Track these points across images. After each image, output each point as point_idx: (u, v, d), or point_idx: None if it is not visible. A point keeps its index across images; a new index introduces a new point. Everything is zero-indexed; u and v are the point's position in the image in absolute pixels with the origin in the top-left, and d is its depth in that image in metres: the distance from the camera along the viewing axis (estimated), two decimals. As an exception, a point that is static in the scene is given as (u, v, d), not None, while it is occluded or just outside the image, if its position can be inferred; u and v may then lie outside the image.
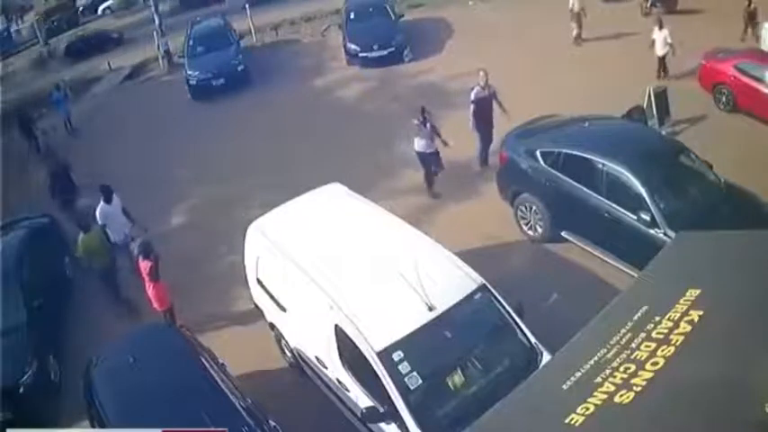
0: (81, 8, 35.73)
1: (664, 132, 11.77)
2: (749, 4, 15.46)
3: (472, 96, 11.79)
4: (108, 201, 10.65)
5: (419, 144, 11.31)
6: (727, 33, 15.05)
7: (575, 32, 17.38)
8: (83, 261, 10.45)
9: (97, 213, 10.57)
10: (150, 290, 9.21)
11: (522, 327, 7.03)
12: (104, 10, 34.78)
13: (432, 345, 6.78)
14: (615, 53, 16.03)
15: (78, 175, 14.88)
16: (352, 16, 19.74)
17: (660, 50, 14.55)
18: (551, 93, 14.00)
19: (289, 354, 8.64)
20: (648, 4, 18.75)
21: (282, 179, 12.34)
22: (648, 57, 14.79)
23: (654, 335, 4.35)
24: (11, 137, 17.77)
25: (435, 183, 11.76)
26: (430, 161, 11.44)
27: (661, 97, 12.52)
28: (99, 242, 10.26)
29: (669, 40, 14.28)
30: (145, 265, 9.11)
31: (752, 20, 15.42)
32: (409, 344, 6.60)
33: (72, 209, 12.45)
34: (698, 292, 4.57)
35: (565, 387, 4.26)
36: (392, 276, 6.99)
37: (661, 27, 14.47)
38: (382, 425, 6.58)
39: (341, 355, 7.11)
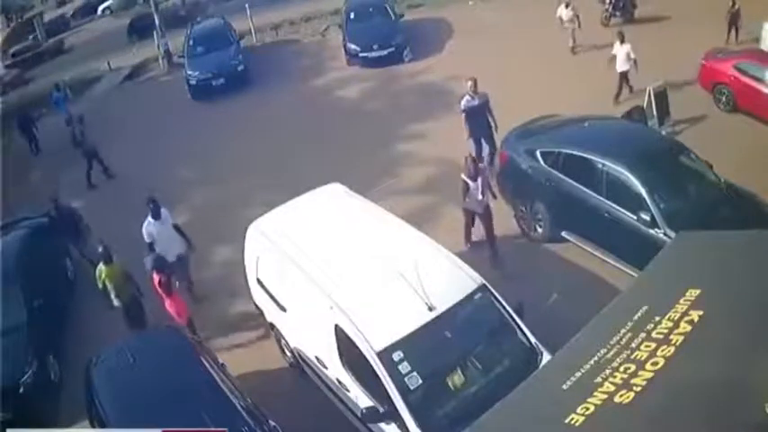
0: (72, 12, 35.71)
1: (664, 132, 11.76)
2: (733, 5, 15.25)
3: (462, 105, 11.64)
4: (156, 216, 9.53)
5: (472, 201, 9.57)
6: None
7: (570, 43, 16.82)
8: (103, 295, 9.34)
9: (144, 231, 9.55)
10: (166, 304, 8.87)
11: (522, 327, 7.03)
12: (104, 10, 34.80)
13: (432, 345, 6.77)
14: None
15: (79, 175, 14.97)
16: (352, 16, 19.75)
17: (621, 66, 13.54)
18: (551, 92, 13.99)
19: (289, 354, 8.64)
20: (608, 15, 18.34)
21: (282, 179, 12.34)
22: (647, 56, 14.75)
23: (654, 335, 4.35)
24: (11, 137, 17.78)
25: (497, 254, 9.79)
26: (482, 218, 9.71)
27: (661, 97, 12.51)
28: (121, 274, 9.23)
29: (633, 56, 13.35)
30: (156, 279, 8.79)
31: (735, 22, 15.21)
32: (409, 344, 6.60)
33: (79, 240, 11.63)
34: (698, 292, 4.57)
35: (565, 387, 4.26)
36: (392, 276, 6.99)
37: (623, 41, 13.54)
38: (382, 425, 6.58)
39: (341, 355, 7.10)
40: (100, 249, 9.27)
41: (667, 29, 16.84)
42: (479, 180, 9.40)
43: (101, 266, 9.20)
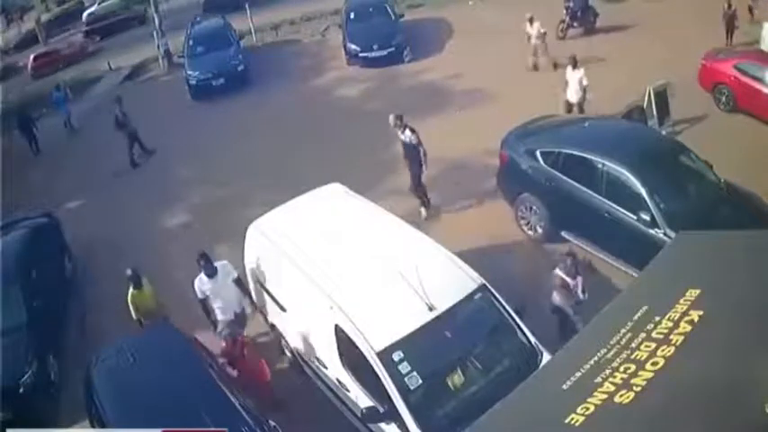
0: (48, 18, 35.26)
1: (664, 132, 11.76)
2: (729, 6, 15.20)
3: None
4: (210, 274, 8.22)
5: (568, 301, 7.85)
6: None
7: (530, 60, 15.88)
8: (136, 323, 8.78)
9: (195, 287, 8.33)
10: (241, 368, 7.78)
11: (522, 327, 7.03)
12: (89, 15, 34.53)
13: (432, 345, 6.78)
14: (615, 51, 16.03)
15: (79, 175, 14.99)
16: (352, 16, 19.76)
17: (573, 95, 12.42)
18: (551, 93, 13.97)
19: (289, 354, 8.63)
20: (564, 26, 17.52)
21: (282, 179, 12.34)
22: (650, 53, 14.77)
23: (654, 335, 4.34)
24: (11, 137, 17.78)
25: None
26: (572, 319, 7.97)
27: (661, 97, 12.49)
28: (152, 298, 8.78)
29: (585, 82, 12.33)
30: (226, 348, 7.83)
31: (731, 24, 15.15)
32: (409, 344, 6.61)
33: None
34: (698, 292, 4.55)
35: (565, 387, 4.25)
36: (392, 276, 6.98)
37: (575, 66, 12.43)
38: (382, 425, 6.58)
39: (341, 355, 7.10)
40: (129, 273, 8.60)
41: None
42: (579, 278, 7.84)
43: (131, 291, 8.61)
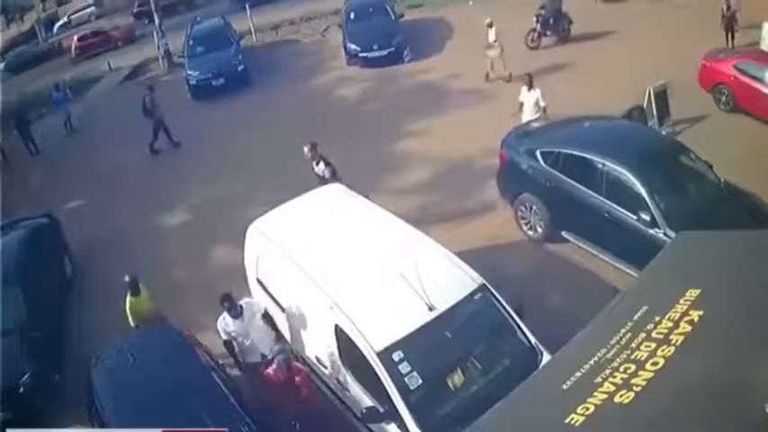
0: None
1: (664, 132, 11.76)
2: (727, 8, 15.16)
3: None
4: (236, 314, 7.76)
5: None
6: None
7: (488, 68, 15.39)
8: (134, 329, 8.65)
9: (219, 327, 7.89)
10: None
11: (522, 327, 7.02)
12: (59, 28, 34.51)
13: (432, 345, 6.78)
14: (612, 51, 16.04)
15: (79, 175, 14.99)
16: (352, 16, 19.79)
17: (528, 116, 11.72)
18: (550, 93, 13.96)
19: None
20: (536, 35, 16.87)
21: (282, 179, 12.33)
22: (649, 51, 14.72)
23: (654, 335, 4.34)
24: (10, 138, 17.80)
25: None
26: None
27: (661, 97, 12.49)
28: (150, 304, 8.68)
29: (542, 104, 11.71)
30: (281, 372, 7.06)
31: (731, 26, 15.10)
32: (409, 344, 6.60)
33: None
34: (698, 292, 4.56)
35: (565, 387, 4.25)
36: (392, 276, 6.98)
37: (531, 86, 11.85)
38: (382, 425, 6.57)
39: (341, 355, 7.10)
40: (126, 279, 8.50)
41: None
42: None
43: (128, 298, 8.52)
